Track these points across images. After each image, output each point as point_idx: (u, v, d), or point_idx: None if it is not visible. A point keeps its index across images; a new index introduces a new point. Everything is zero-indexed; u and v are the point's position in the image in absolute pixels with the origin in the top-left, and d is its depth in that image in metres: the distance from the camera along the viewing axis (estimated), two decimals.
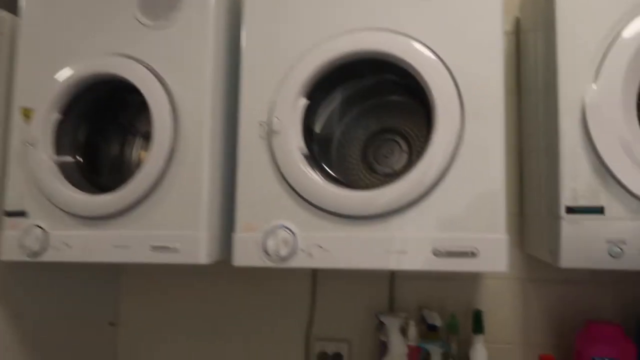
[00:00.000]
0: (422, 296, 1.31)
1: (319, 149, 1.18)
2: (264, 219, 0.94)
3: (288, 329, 1.38)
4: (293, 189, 0.92)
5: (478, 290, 1.28)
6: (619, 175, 0.81)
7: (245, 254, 0.94)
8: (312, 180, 0.92)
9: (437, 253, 0.85)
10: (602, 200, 0.83)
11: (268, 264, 0.92)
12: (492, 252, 0.84)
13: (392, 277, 1.33)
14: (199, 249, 0.96)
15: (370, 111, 1.27)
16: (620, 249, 0.82)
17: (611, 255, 0.82)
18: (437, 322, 1.20)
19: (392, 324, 1.19)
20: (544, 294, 1.24)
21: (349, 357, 1.34)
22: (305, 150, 0.94)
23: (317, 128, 1.21)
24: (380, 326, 1.22)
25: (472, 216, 0.85)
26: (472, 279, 1.28)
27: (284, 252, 0.91)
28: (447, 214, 0.86)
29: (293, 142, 0.93)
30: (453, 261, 0.85)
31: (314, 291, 1.37)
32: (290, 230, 0.92)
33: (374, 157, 1.27)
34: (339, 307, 1.36)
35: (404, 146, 1.25)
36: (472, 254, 0.84)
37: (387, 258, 0.88)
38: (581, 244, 0.84)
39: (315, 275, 1.37)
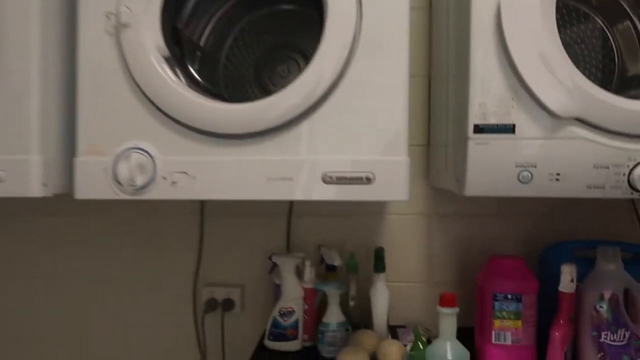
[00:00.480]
0: (322, 235, 1.19)
1: (205, 69, 0.99)
2: (114, 140, 0.74)
3: (172, 273, 1.22)
4: (150, 100, 0.73)
5: (381, 226, 1.18)
6: (534, 87, 0.70)
7: (91, 184, 0.74)
8: (174, 89, 0.73)
9: (327, 179, 0.71)
10: (513, 117, 0.72)
11: (120, 195, 0.74)
12: (391, 177, 0.71)
13: (290, 214, 1.19)
14: (30, 179, 0.75)
15: (264, 23, 1.08)
16: (530, 173, 0.72)
17: (520, 180, 0.72)
18: (336, 261, 1.09)
19: (286, 265, 1.06)
20: (450, 230, 1.16)
21: (241, 303, 1.20)
22: (166, 51, 0.74)
23: (202, 42, 1.01)
24: (274, 268, 1.09)
25: (365, 136, 0.71)
26: (375, 215, 1.18)
27: (139, 180, 0.72)
28: (339, 133, 0.72)
29: (148, 39, 0.73)
30: (345, 189, 0.71)
31: (202, 230, 1.21)
32: (148, 153, 0.73)
33: (269, 78, 1.09)
34: (230, 249, 1.21)
35: (303, 65, 1.08)
36: (367, 180, 0.70)
37: (268, 187, 0.72)
38: (489, 169, 0.74)
39: (202, 212, 1.20)
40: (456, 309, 0.75)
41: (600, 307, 0.90)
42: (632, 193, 0.70)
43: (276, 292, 1.10)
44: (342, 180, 0.70)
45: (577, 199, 1.14)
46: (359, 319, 1.10)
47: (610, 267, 0.91)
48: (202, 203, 1.20)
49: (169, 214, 1.20)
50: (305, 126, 0.71)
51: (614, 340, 0.89)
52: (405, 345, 1.01)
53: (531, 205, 1.14)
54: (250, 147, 0.72)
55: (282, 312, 1.05)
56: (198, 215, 1.20)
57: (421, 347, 0.94)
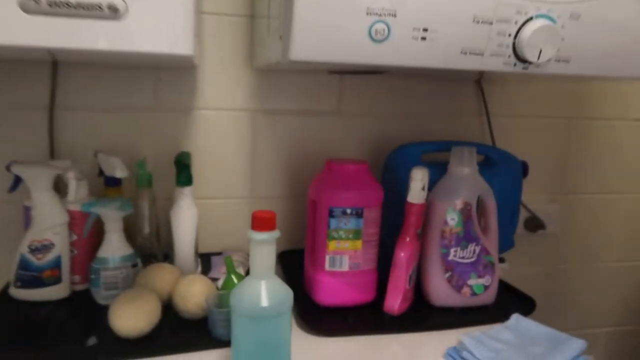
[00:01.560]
0: (103, 136, 0.84)
1: None
2: None
3: None
4: None
5: (188, 125, 0.87)
6: None
7: None
8: None
9: (29, 6, 0.37)
10: None
11: None
12: (159, 11, 0.40)
13: (52, 105, 0.81)
14: None
15: None
16: (387, 25, 0.47)
17: (372, 37, 0.47)
18: (119, 172, 0.76)
19: (37, 179, 0.71)
20: (280, 130, 0.91)
21: None
22: None
23: None
24: (17, 184, 0.72)
25: None
26: (179, 110, 0.86)
27: None
28: None
29: None
30: (69, 28, 0.38)
31: None
32: None
33: None
34: None
35: None
36: (113, 11, 0.38)
37: None
38: (327, 18, 0.47)
39: None
40: (275, 234, 0.50)
41: (452, 218, 0.74)
42: (515, 64, 0.50)
43: (26, 218, 0.74)
44: (60, 9, 0.37)
45: (429, 92, 0.97)
46: (157, 249, 0.81)
47: (465, 171, 0.75)
48: None
49: None
50: None
51: (463, 257, 0.74)
52: (217, 280, 0.77)
53: (377, 101, 0.94)
54: None
55: (33, 247, 0.71)
56: None
57: (236, 282, 0.71)
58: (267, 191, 0.92)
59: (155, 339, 0.63)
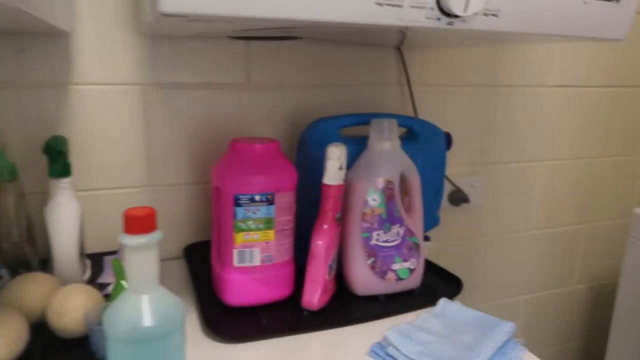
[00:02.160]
0: None
1: None
2: None
3: None
4: None
5: (62, 104, 0.73)
6: None
7: None
8: None
9: None
10: None
11: None
12: None
13: None
14: None
15: None
16: None
17: None
18: None
19: None
20: (177, 108, 0.79)
21: None
22: None
23: None
24: None
25: None
26: (50, 86, 0.72)
27: None
28: None
29: None
30: None
31: None
32: None
33: None
34: None
35: None
36: None
37: None
38: None
39: None
40: (155, 236, 0.40)
41: (373, 199, 0.67)
42: (439, 18, 0.43)
43: None
44: None
45: (346, 60, 0.88)
46: (32, 255, 0.68)
47: (386, 146, 0.68)
48: None
49: None
50: None
51: (387, 241, 0.68)
52: (108, 286, 0.65)
53: (289, 72, 0.84)
54: None
55: None
56: None
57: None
58: (167, 178, 0.80)
59: None
